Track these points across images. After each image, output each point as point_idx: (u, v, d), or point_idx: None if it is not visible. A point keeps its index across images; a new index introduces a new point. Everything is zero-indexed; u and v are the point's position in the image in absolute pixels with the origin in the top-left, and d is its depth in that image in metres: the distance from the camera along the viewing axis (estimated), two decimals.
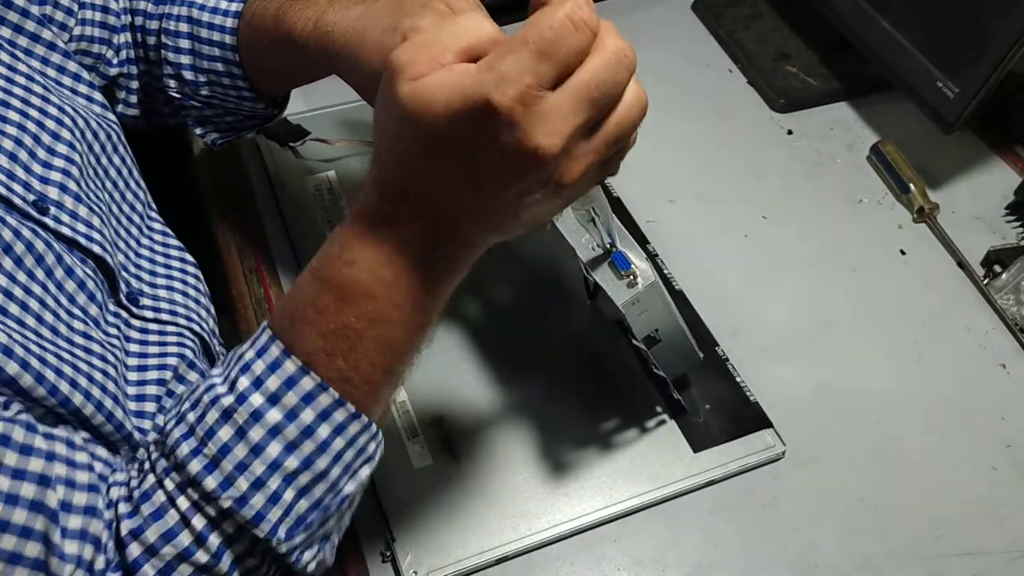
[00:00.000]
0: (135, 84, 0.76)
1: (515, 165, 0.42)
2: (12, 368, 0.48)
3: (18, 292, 0.53)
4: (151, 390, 0.61)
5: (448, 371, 0.72)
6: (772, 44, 1.01)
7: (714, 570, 0.63)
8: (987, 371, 0.75)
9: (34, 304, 0.54)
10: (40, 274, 0.55)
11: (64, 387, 0.51)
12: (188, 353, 0.65)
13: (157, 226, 0.72)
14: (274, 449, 0.48)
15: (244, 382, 0.48)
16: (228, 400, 0.48)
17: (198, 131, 0.77)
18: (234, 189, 0.85)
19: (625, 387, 0.71)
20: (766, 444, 0.68)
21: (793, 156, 0.91)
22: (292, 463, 0.48)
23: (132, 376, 0.61)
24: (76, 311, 0.58)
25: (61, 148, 0.61)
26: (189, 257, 0.73)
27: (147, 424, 0.59)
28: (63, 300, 0.57)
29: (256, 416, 0.48)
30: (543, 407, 0.70)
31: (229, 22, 0.70)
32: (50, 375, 0.50)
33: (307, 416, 0.48)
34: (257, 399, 0.48)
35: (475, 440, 0.68)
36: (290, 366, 0.48)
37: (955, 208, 0.86)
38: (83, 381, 0.53)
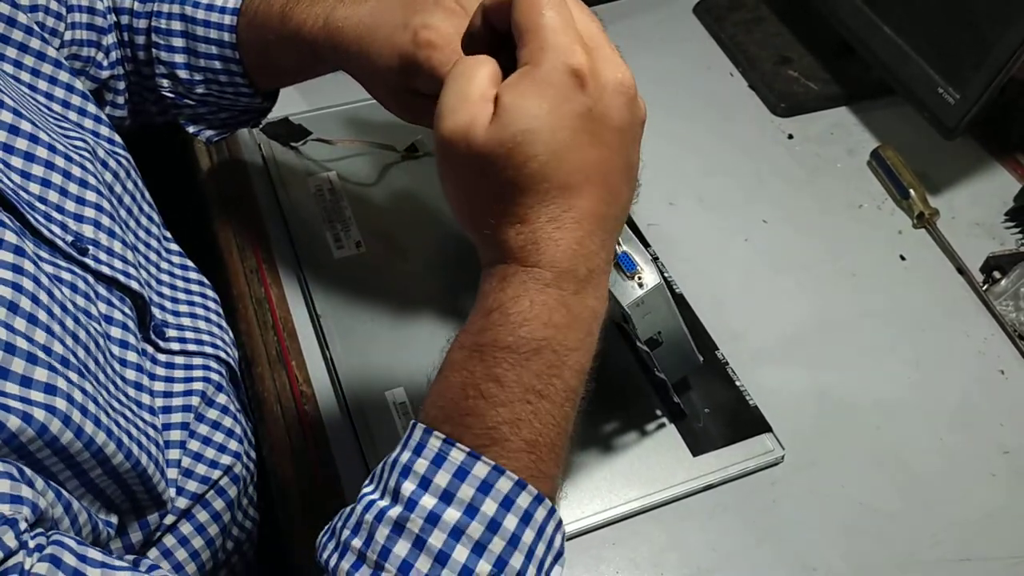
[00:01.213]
0: (122, 84, 0.75)
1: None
2: (66, 436, 0.46)
3: (68, 342, 0.50)
4: (175, 435, 0.60)
5: None
6: (773, 48, 1.01)
7: (713, 574, 0.63)
8: (986, 377, 0.75)
9: (81, 353, 0.51)
10: (88, 321, 0.54)
11: (135, 450, 0.51)
12: (214, 377, 0.65)
13: (174, 248, 0.72)
14: (461, 554, 0.42)
15: (409, 486, 0.43)
16: (396, 511, 0.42)
17: (191, 129, 0.76)
18: (235, 189, 0.85)
19: (624, 391, 0.71)
20: (765, 448, 0.68)
21: (794, 160, 0.92)
22: (484, 568, 0.42)
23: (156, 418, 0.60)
24: (128, 358, 0.57)
25: (91, 182, 0.61)
26: (207, 282, 0.73)
27: (172, 473, 0.58)
28: (115, 349, 0.56)
29: (432, 520, 0.42)
30: None
31: (227, 19, 0.69)
32: (101, 436, 0.49)
33: (488, 508, 0.42)
34: (429, 500, 0.42)
35: None
36: (457, 455, 0.43)
37: (955, 214, 0.87)
38: (129, 443, 0.51)
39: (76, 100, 0.66)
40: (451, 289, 0.77)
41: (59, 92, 0.65)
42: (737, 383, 0.72)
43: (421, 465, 0.43)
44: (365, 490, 0.46)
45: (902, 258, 0.83)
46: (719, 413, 0.70)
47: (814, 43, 1.01)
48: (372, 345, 0.73)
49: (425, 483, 0.43)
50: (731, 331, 0.76)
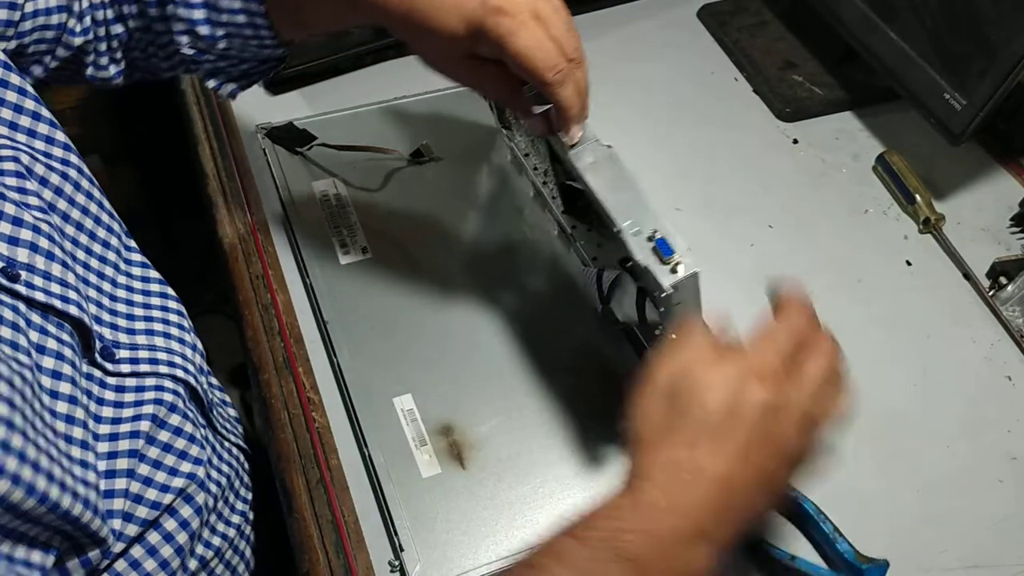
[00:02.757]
0: (104, 46, 0.72)
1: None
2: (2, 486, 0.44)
3: None
4: (122, 463, 0.57)
5: (456, 380, 0.72)
6: (778, 53, 1.01)
7: None
8: (993, 383, 0.75)
9: (4, 389, 0.47)
10: (14, 353, 0.51)
11: (54, 493, 0.48)
12: (167, 397, 0.62)
13: (136, 258, 0.68)
14: None
15: None
16: None
17: (211, 83, 0.73)
18: (241, 194, 0.84)
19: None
20: None
21: (799, 165, 0.92)
22: None
23: (102, 447, 0.57)
24: (61, 389, 0.54)
25: (32, 201, 0.58)
26: (171, 291, 0.69)
27: (116, 503, 0.56)
28: (45, 381, 0.53)
29: None
30: (551, 416, 0.70)
31: None
32: (41, 483, 0.47)
33: None
34: None
35: (483, 449, 0.68)
36: None
37: (960, 219, 0.87)
38: (48, 485, 0.48)
39: (7, 113, 0.60)
40: (458, 295, 0.77)
41: (9, 113, 0.60)
42: None
43: None
44: None
45: (908, 264, 0.83)
46: None
47: (819, 48, 1.01)
48: (379, 351, 0.73)
49: None
50: (738, 336, 0.75)
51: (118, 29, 0.71)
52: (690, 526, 0.49)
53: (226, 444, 0.70)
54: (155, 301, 0.68)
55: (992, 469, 0.70)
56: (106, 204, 0.67)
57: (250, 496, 0.72)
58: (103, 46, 0.72)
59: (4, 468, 0.45)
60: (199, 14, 0.67)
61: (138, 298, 0.67)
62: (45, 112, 0.62)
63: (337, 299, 0.76)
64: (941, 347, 0.77)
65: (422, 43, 0.63)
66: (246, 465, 0.73)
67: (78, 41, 0.69)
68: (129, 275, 0.67)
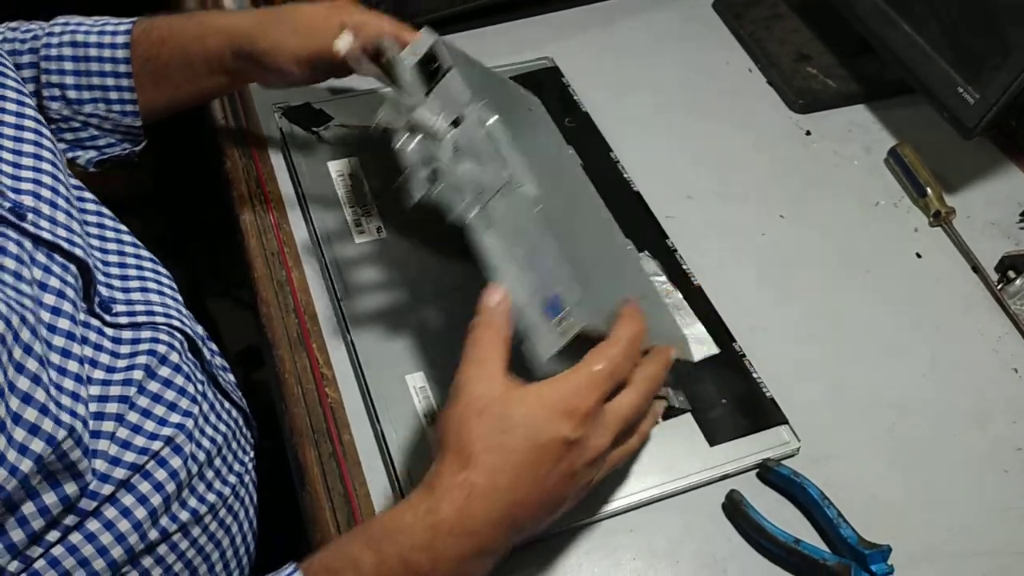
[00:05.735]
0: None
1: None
2: None
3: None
4: (112, 408, 0.60)
5: None
6: (792, 45, 1.01)
7: (727, 563, 0.64)
8: (999, 375, 0.76)
9: (15, 319, 0.52)
10: (16, 282, 0.54)
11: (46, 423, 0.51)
12: (160, 349, 0.65)
13: (125, 230, 0.73)
14: None
15: None
16: None
17: (70, 155, 0.79)
18: (257, 173, 0.85)
19: None
20: (781, 440, 0.69)
21: (811, 157, 0.92)
22: None
23: (94, 391, 0.59)
24: (59, 324, 0.57)
25: (27, 150, 0.63)
26: (163, 270, 0.73)
27: (102, 444, 0.58)
28: (44, 315, 0.56)
29: None
30: None
31: (120, 39, 0.76)
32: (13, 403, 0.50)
33: None
34: None
35: None
36: None
37: (970, 213, 0.87)
38: (54, 409, 0.52)
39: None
40: (472, 274, 0.77)
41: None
42: (754, 375, 0.72)
43: None
44: None
45: (918, 256, 0.84)
46: (736, 404, 0.70)
47: (833, 40, 1.01)
48: (392, 329, 0.73)
49: None
50: (748, 324, 0.76)
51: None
52: (477, 545, 0.53)
53: (226, 405, 0.72)
54: (147, 265, 0.71)
55: (998, 459, 0.70)
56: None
57: (247, 459, 0.73)
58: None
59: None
60: (70, 79, 0.76)
61: (131, 261, 0.70)
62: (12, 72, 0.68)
63: (351, 277, 0.77)
64: (949, 339, 0.78)
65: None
66: (243, 429, 0.75)
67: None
68: (120, 242, 0.71)
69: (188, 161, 0.81)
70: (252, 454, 0.74)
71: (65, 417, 0.53)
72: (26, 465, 0.50)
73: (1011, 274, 0.81)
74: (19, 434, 0.50)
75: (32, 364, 0.52)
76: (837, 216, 0.87)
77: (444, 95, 0.64)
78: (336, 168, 0.85)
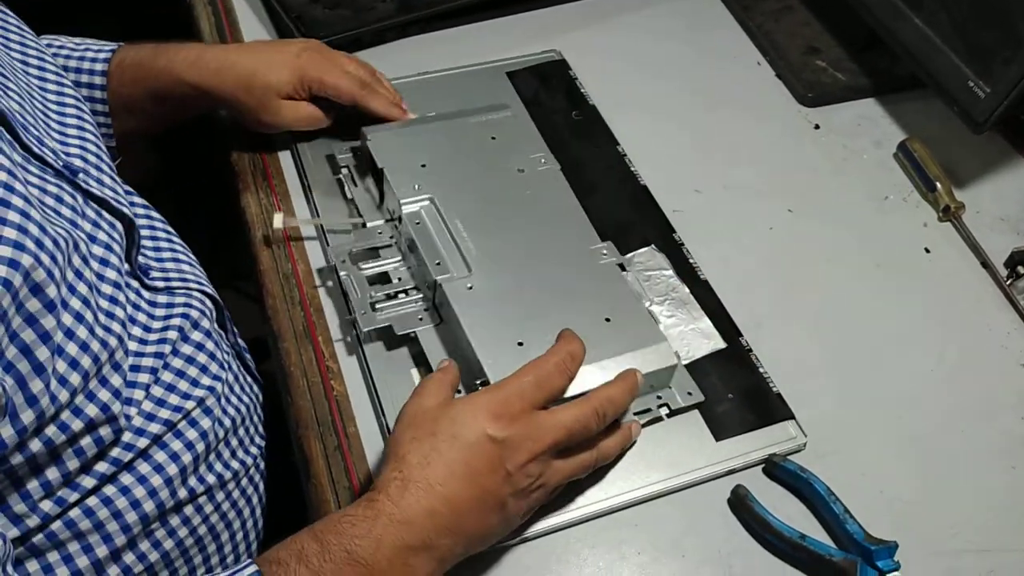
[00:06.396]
0: None
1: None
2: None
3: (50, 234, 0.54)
4: (147, 362, 0.63)
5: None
6: (801, 38, 1.01)
7: (733, 558, 0.64)
8: (1008, 371, 0.75)
9: (70, 245, 0.55)
10: (73, 229, 0.57)
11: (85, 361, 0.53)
12: (193, 313, 0.68)
13: (155, 213, 0.75)
14: None
15: None
16: None
17: None
18: (262, 164, 0.85)
19: None
20: (788, 435, 0.69)
21: (820, 151, 0.92)
22: None
23: (132, 346, 0.62)
24: (107, 274, 0.60)
25: (70, 120, 0.67)
26: (185, 245, 0.76)
27: (137, 394, 0.61)
28: (94, 265, 0.59)
29: None
30: None
31: (98, 66, 0.78)
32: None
33: None
34: None
35: None
36: None
37: (980, 208, 0.87)
38: (102, 333, 0.55)
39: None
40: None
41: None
42: (761, 369, 0.72)
43: None
44: None
45: (927, 251, 0.83)
46: (742, 399, 0.70)
47: (842, 34, 1.01)
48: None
49: None
50: (755, 318, 0.76)
51: None
52: (416, 537, 0.55)
53: (248, 379, 0.75)
54: (174, 238, 0.75)
55: (1005, 455, 0.70)
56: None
57: (261, 440, 0.75)
58: None
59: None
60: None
61: (161, 234, 0.74)
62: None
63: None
64: (957, 334, 0.77)
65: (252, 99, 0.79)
66: (260, 409, 0.77)
67: None
68: (149, 217, 0.74)
69: (195, 151, 0.81)
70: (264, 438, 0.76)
71: (112, 340, 0.57)
72: (75, 379, 0.53)
73: (1020, 269, 0.81)
74: (71, 348, 0.53)
75: (82, 288, 0.55)
76: (846, 210, 0.86)
77: (389, 197, 0.74)
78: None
